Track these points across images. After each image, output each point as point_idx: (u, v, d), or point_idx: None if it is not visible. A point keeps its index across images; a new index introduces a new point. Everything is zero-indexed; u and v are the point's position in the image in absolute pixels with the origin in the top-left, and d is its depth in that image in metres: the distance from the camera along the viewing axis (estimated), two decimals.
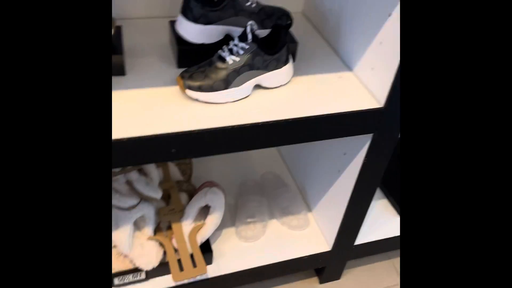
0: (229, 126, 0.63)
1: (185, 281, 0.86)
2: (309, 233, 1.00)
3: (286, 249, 0.95)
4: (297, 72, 0.77)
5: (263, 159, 1.18)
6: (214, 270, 0.89)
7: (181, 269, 0.82)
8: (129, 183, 0.84)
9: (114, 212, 0.82)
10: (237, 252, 0.94)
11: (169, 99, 0.66)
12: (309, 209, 1.06)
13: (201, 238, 0.88)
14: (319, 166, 0.98)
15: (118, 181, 0.84)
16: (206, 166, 1.13)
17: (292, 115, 0.67)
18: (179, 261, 0.83)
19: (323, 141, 0.95)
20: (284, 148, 1.19)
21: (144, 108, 0.63)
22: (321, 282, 1.05)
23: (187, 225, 0.88)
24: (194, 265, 0.83)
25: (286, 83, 0.74)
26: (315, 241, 0.98)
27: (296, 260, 0.95)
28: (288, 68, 0.72)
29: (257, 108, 0.68)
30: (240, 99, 0.68)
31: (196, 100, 0.66)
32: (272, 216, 1.03)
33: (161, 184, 0.93)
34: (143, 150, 0.60)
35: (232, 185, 1.08)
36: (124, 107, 0.63)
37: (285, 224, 1.01)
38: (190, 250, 0.85)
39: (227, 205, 1.02)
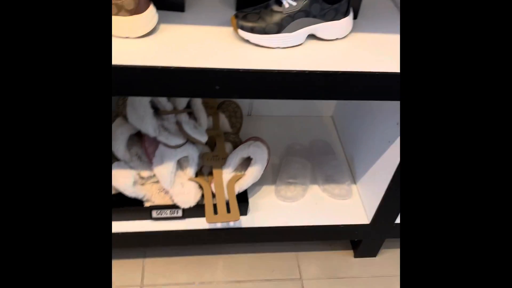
0: (275, 70, 0.62)
1: (218, 225, 0.88)
2: (349, 203, 0.98)
3: (323, 215, 0.94)
4: (356, 28, 0.73)
5: (315, 125, 1.16)
6: (247, 221, 0.90)
7: (216, 212, 0.84)
8: (178, 123, 0.87)
9: (161, 148, 0.85)
10: (273, 209, 0.94)
11: (221, 38, 0.66)
12: (354, 180, 1.03)
13: (239, 187, 0.89)
14: (369, 135, 0.94)
15: (169, 120, 0.87)
16: (255, 124, 1.13)
17: (343, 69, 0.65)
18: (214, 205, 0.85)
19: (376, 110, 0.91)
20: (337, 116, 1.16)
21: (195, 43, 0.65)
22: (356, 256, 1.02)
23: (227, 173, 0.90)
24: (229, 211, 0.85)
25: (343, 37, 0.71)
26: (354, 212, 0.96)
27: (331, 227, 0.93)
28: (347, 21, 0.69)
29: (307, 57, 0.66)
30: (292, 46, 0.67)
31: (247, 41, 0.66)
32: (314, 181, 1.01)
33: (209, 130, 0.95)
34: (189, 82, 0.61)
35: (279, 146, 1.08)
36: (177, 40, 0.64)
37: (327, 191, 0.99)
38: (227, 197, 0.87)
39: (271, 164, 1.02)
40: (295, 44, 0.67)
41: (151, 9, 0.63)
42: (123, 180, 0.84)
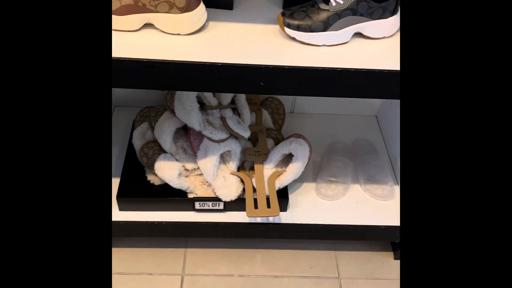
0: (320, 68, 0.63)
1: (258, 220, 0.89)
2: (391, 204, 0.96)
3: (364, 215, 0.93)
4: None
5: (358, 124, 1.15)
6: (287, 217, 0.91)
7: (256, 207, 0.86)
8: (222, 118, 0.89)
9: (205, 142, 0.88)
10: (313, 206, 0.94)
11: (267, 36, 0.68)
12: (397, 181, 1.01)
13: (279, 183, 0.91)
14: None
15: (213, 115, 0.89)
16: (298, 121, 1.14)
17: (389, 67, 0.64)
18: (255, 200, 0.87)
19: None
20: (382, 116, 1.14)
21: (242, 40, 0.66)
22: (396, 258, 1.00)
23: (268, 169, 0.91)
24: (269, 206, 0.86)
25: (390, 36, 0.70)
26: (396, 214, 0.94)
27: (371, 227, 0.92)
28: (394, 20, 0.68)
29: (353, 55, 0.66)
30: (337, 44, 0.67)
31: (293, 39, 0.67)
32: (356, 180, 1.00)
33: (251, 126, 0.97)
34: (235, 78, 0.63)
35: (321, 144, 1.08)
36: (225, 37, 0.66)
37: (368, 191, 0.98)
38: (267, 193, 0.88)
39: (312, 161, 1.02)
40: (341, 42, 0.67)
41: (201, 7, 0.65)
42: (169, 171, 0.87)
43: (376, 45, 0.69)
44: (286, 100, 1.13)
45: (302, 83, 0.64)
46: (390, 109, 1.09)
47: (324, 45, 0.67)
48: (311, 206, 0.94)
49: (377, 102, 1.16)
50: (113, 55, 0.60)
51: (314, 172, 1.01)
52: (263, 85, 0.64)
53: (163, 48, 0.64)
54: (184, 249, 0.99)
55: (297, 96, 1.14)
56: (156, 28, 0.66)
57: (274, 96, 1.09)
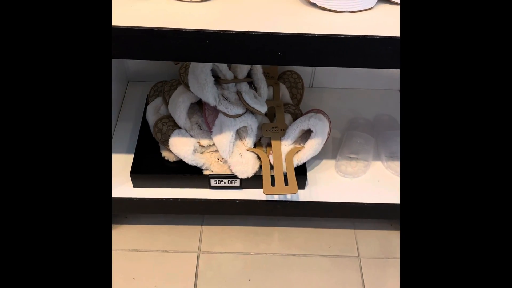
0: (342, 35, 0.58)
1: (275, 197, 0.87)
2: None
3: (385, 193, 0.90)
4: None
5: (380, 98, 1.10)
6: (305, 195, 0.88)
7: (273, 184, 0.83)
8: (238, 93, 0.86)
9: (220, 117, 0.85)
10: (333, 184, 0.91)
11: (285, 2, 0.63)
12: None
13: (297, 160, 0.87)
14: None
15: (229, 89, 0.86)
16: (317, 96, 1.09)
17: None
18: (272, 177, 0.84)
19: None
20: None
21: (259, 6, 0.62)
22: None
23: (286, 145, 0.88)
24: (286, 184, 0.83)
25: None
26: None
27: (393, 206, 0.88)
28: None
29: (378, 22, 0.61)
30: (361, 10, 0.62)
31: (314, 4, 0.62)
32: (377, 157, 0.96)
33: (269, 101, 0.93)
34: (251, 47, 0.59)
35: (341, 120, 1.04)
36: (240, 4, 0.62)
37: (391, 169, 0.94)
38: (285, 170, 0.85)
39: (332, 137, 0.99)
40: (365, 8, 0.62)
41: None
42: (184, 147, 0.85)
43: None
44: (305, 73, 1.08)
45: (322, 52, 0.60)
46: None
47: (347, 11, 0.62)
48: (330, 184, 0.91)
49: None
50: (122, 24, 0.57)
51: (334, 148, 0.97)
52: (280, 55, 0.60)
53: (175, 16, 0.60)
54: (200, 226, 0.98)
55: (316, 70, 1.09)
56: None
57: (292, 69, 1.05)
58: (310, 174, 0.91)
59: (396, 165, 0.93)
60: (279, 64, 0.62)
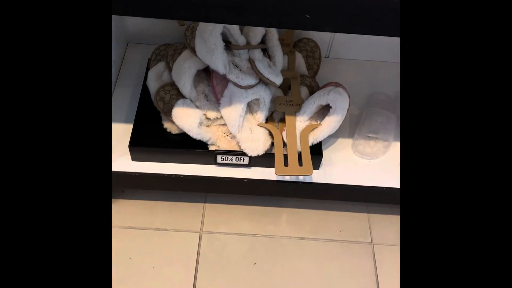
0: None
1: (287, 178, 0.80)
2: None
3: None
4: None
5: None
6: (319, 176, 0.81)
7: (286, 164, 0.75)
8: (251, 61, 0.77)
9: (230, 88, 0.76)
10: (349, 165, 0.84)
11: None
12: None
13: (313, 138, 0.79)
14: None
15: (241, 57, 0.77)
16: (334, 67, 1.00)
17: None
18: (285, 156, 0.76)
19: None
20: None
21: None
22: None
23: (301, 122, 0.80)
24: (301, 164, 0.76)
25: None
26: None
27: None
28: None
29: None
30: None
31: None
32: (398, 138, 0.88)
33: (283, 72, 0.84)
34: (274, 6, 0.50)
35: (360, 95, 0.95)
36: None
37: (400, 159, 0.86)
38: (299, 148, 0.78)
39: (349, 114, 0.90)
40: None
41: None
42: (188, 119, 0.77)
43: None
44: (322, 42, 0.98)
45: (358, 17, 0.51)
46: None
47: None
48: (346, 165, 0.84)
49: None
50: None
51: (351, 126, 0.89)
52: (308, 17, 0.51)
53: None
54: (203, 204, 0.91)
55: (335, 38, 0.99)
56: None
57: (309, 36, 0.95)
58: (325, 153, 0.84)
59: None
60: (306, 29, 0.53)
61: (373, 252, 0.87)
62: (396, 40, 0.96)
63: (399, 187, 0.81)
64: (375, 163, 0.85)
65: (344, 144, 0.87)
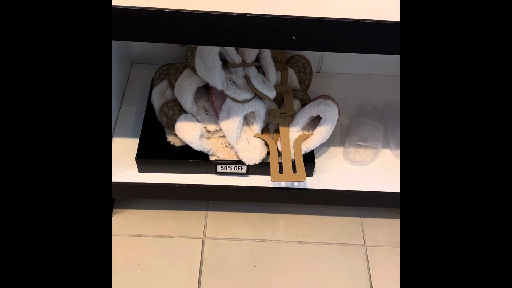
0: (360, 20, 0.56)
1: (282, 184, 0.86)
2: None
3: (394, 182, 0.88)
4: None
5: (390, 85, 1.07)
6: (313, 183, 0.87)
7: (281, 171, 0.81)
8: (246, 77, 0.84)
9: (228, 102, 0.83)
10: (340, 171, 0.90)
11: None
12: None
13: (306, 147, 0.86)
14: None
15: (237, 74, 0.83)
16: (325, 81, 1.07)
17: None
18: (280, 164, 0.82)
19: None
20: None
21: None
22: None
23: (294, 132, 0.86)
24: (295, 171, 0.82)
25: None
26: None
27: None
28: None
29: (393, 4, 0.58)
30: None
31: None
32: (386, 145, 0.95)
33: (277, 86, 0.91)
34: (264, 30, 0.57)
35: (350, 106, 1.02)
36: None
37: (399, 157, 0.92)
38: (293, 156, 0.84)
39: (340, 124, 0.97)
40: None
41: None
42: (190, 132, 0.83)
43: None
44: (313, 58, 1.06)
45: (339, 37, 0.58)
46: None
47: None
48: (338, 172, 0.90)
49: None
50: (128, 4, 0.54)
51: (342, 135, 0.96)
52: (295, 39, 0.58)
53: None
54: (205, 212, 0.96)
55: (324, 55, 1.06)
56: None
57: (300, 54, 1.02)
58: (317, 161, 0.90)
59: None
60: (294, 49, 0.59)
61: (366, 254, 0.92)
62: (383, 55, 1.03)
63: (388, 191, 0.87)
64: (365, 169, 0.91)
65: (335, 152, 0.93)
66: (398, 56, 1.04)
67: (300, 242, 0.93)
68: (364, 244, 0.93)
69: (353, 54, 1.06)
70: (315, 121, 0.88)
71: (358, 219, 0.97)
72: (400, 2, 0.48)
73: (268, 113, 0.88)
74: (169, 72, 0.90)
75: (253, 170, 0.86)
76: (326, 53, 1.06)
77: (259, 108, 0.84)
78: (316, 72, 1.10)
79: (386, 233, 0.95)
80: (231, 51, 0.81)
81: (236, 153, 0.85)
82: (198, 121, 0.85)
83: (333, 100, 0.88)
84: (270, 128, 0.89)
